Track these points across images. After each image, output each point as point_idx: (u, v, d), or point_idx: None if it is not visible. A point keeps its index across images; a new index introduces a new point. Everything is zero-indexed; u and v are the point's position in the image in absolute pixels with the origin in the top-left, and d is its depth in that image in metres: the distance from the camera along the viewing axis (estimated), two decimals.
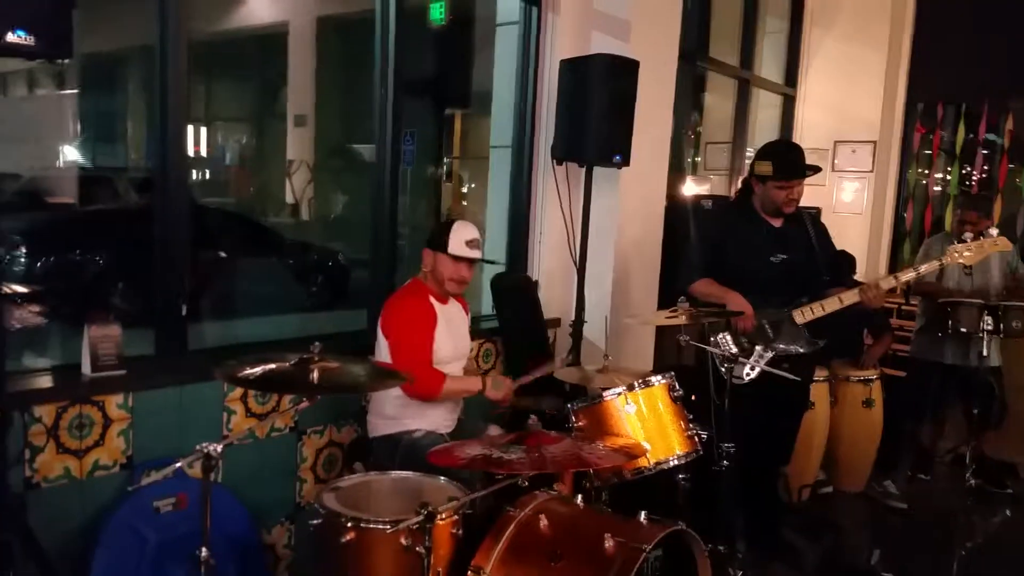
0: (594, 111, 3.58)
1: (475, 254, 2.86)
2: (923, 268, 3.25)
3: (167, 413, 2.63)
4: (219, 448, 1.72)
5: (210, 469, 1.74)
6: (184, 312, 2.74)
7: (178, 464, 1.75)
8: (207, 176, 10.23)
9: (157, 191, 2.73)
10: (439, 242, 2.84)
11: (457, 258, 2.83)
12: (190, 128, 9.29)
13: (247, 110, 11.14)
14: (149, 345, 2.73)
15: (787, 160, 3.24)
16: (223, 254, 6.27)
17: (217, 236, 6.30)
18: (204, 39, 8.82)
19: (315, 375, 1.93)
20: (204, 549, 1.79)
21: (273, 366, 1.95)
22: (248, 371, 1.94)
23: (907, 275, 3.24)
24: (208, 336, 3.91)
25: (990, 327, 3.95)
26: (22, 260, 5.06)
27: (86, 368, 2.47)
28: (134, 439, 2.56)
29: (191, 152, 9.44)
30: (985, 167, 6.56)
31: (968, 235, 3.29)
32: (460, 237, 2.82)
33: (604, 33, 4.01)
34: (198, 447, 1.73)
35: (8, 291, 4.14)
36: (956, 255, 3.20)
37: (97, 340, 2.47)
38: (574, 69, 3.71)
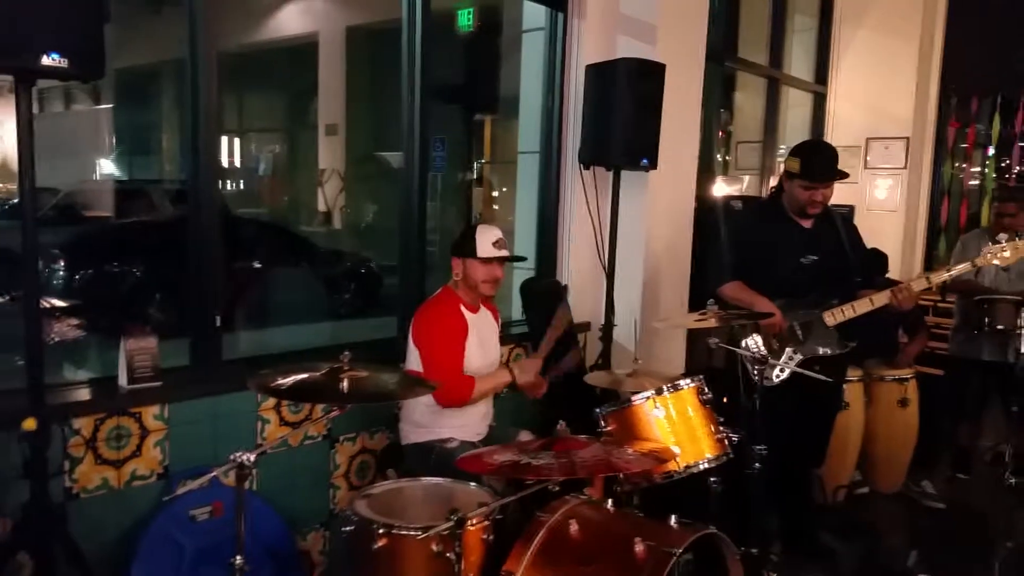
0: (620, 115, 3.59)
1: (504, 253, 2.89)
2: (956, 269, 3.20)
3: (202, 423, 2.68)
4: (252, 457, 1.75)
5: (244, 478, 1.77)
6: (218, 323, 2.78)
7: (212, 473, 1.78)
8: (241, 187, 10.40)
9: (190, 203, 2.78)
10: (466, 248, 2.86)
11: (487, 260, 2.86)
12: (224, 139, 9.50)
13: (279, 120, 11.31)
14: (185, 356, 2.79)
15: (815, 161, 3.20)
16: (258, 264, 6.38)
17: (252, 246, 6.41)
18: (236, 51, 9.00)
19: (345, 384, 1.96)
20: (239, 557, 1.82)
21: (304, 376, 1.98)
22: (280, 381, 1.97)
23: (940, 276, 3.19)
24: (243, 346, 3.99)
25: None
26: (60, 274, 5.18)
27: (123, 380, 2.52)
28: (170, 449, 2.61)
29: (225, 163, 9.62)
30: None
31: (1003, 236, 3.22)
32: (486, 239, 2.85)
33: (630, 37, 4.01)
34: (232, 456, 1.76)
35: (47, 305, 4.25)
36: (991, 256, 3.14)
37: (133, 352, 2.53)
38: (600, 74, 3.72)
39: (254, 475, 2.80)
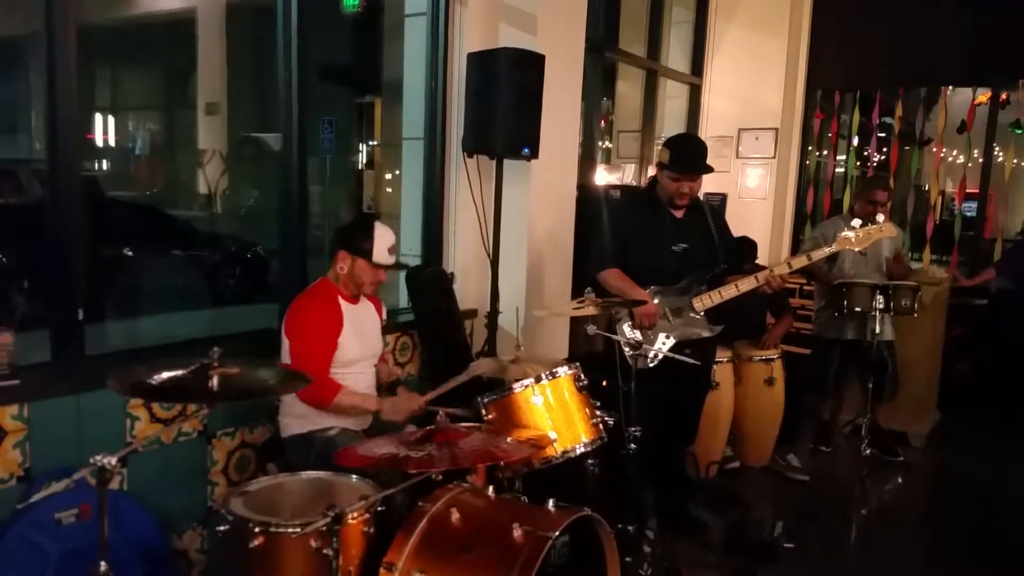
0: (502, 105, 3.61)
1: (394, 259, 2.87)
2: (815, 255, 3.42)
3: (66, 422, 2.55)
4: (113, 460, 1.69)
5: (105, 482, 1.71)
6: (81, 316, 2.64)
7: (72, 478, 1.71)
8: (115, 167, 9.83)
9: (48, 185, 2.61)
10: (360, 248, 2.81)
11: (379, 266, 2.83)
12: (98, 117, 8.92)
13: (157, 98, 10.73)
14: (46, 350, 2.64)
15: (684, 155, 3.34)
16: (133, 250, 6.07)
17: (126, 231, 6.09)
18: (109, 25, 8.45)
19: (214, 382, 1.90)
20: (103, 563, 1.76)
21: (169, 375, 1.91)
22: (143, 381, 1.89)
23: (800, 262, 3.40)
24: (115, 338, 3.80)
25: (882, 305, 4.20)
26: None
27: None
28: (31, 450, 2.47)
29: (99, 142, 9.06)
30: (884, 149, 6.90)
31: (857, 222, 3.45)
32: (383, 244, 2.81)
33: (511, 26, 4.03)
34: (92, 459, 1.69)
35: None
36: (846, 242, 3.37)
37: None
38: (481, 62, 3.73)
39: (124, 475, 2.70)
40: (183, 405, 2.83)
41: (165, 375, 1.91)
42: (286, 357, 2.78)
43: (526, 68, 3.66)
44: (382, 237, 2.82)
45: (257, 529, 2.06)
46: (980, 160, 6.53)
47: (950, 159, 7.67)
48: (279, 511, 2.23)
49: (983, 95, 6.45)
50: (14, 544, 2.34)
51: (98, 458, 1.69)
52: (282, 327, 2.82)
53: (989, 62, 6.01)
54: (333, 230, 3.03)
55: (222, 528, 2.13)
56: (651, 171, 6.11)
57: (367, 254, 2.80)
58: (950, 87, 6.65)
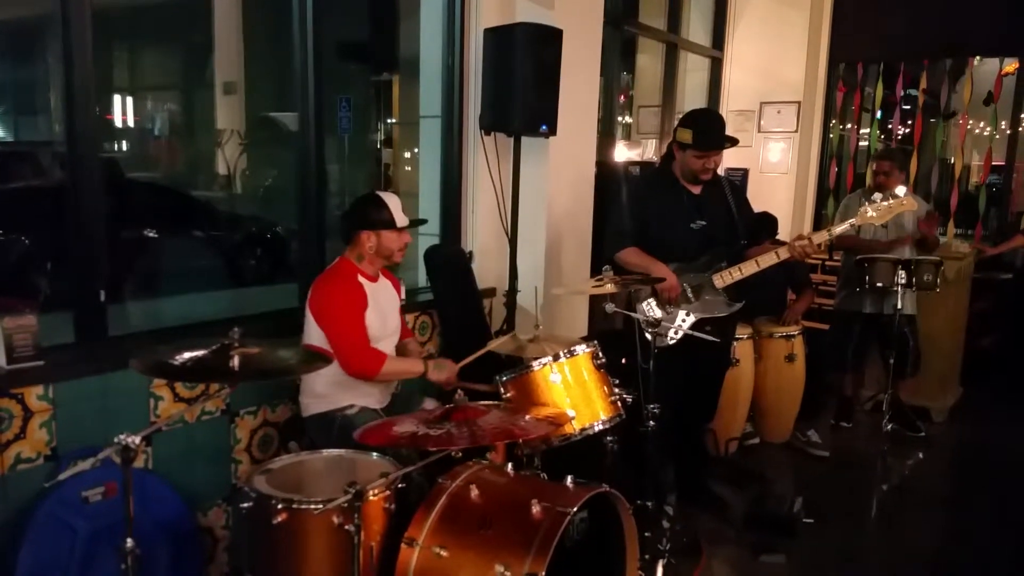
0: (519, 81, 3.59)
1: (408, 218, 2.91)
2: (836, 229, 3.39)
3: (91, 402, 2.59)
4: (137, 439, 1.71)
5: (130, 461, 1.73)
6: (103, 298, 2.67)
7: (98, 457, 1.74)
8: (134, 148, 9.88)
9: (67, 167, 2.62)
10: (381, 221, 2.84)
11: (401, 229, 2.87)
12: (116, 98, 8.96)
13: (174, 78, 10.75)
14: (69, 332, 2.67)
15: (707, 130, 3.29)
16: (154, 231, 6.12)
17: (147, 212, 6.14)
18: (126, 4, 8.47)
19: (235, 362, 1.92)
20: (129, 540, 1.79)
21: (191, 355, 1.93)
22: (166, 360, 1.92)
23: (821, 236, 3.36)
24: (136, 319, 3.83)
25: (904, 281, 4.15)
26: None
27: (1, 361, 2.40)
28: (57, 430, 2.51)
29: (119, 123, 9.11)
30: (909, 121, 6.78)
31: (878, 196, 3.43)
32: (397, 208, 2.86)
33: (528, 0, 3.99)
34: (116, 439, 1.71)
35: None
36: (867, 216, 3.34)
37: (12, 331, 2.41)
38: (498, 38, 3.70)
39: (149, 453, 2.74)
40: (205, 384, 2.86)
41: (187, 355, 1.94)
42: (315, 335, 2.79)
43: (543, 43, 3.62)
44: (393, 202, 2.86)
45: (280, 506, 2.10)
46: (1008, 132, 6.39)
47: (976, 131, 7.53)
48: (302, 488, 2.27)
49: (1010, 65, 6.30)
50: (43, 522, 2.39)
51: (122, 437, 1.71)
52: (306, 307, 2.84)
53: (1017, 31, 5.86)
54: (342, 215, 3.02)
55: (246, 505, 2.16)
56: None
57: (389, 223, 2.84)
58: (976, 58, 6.49)
